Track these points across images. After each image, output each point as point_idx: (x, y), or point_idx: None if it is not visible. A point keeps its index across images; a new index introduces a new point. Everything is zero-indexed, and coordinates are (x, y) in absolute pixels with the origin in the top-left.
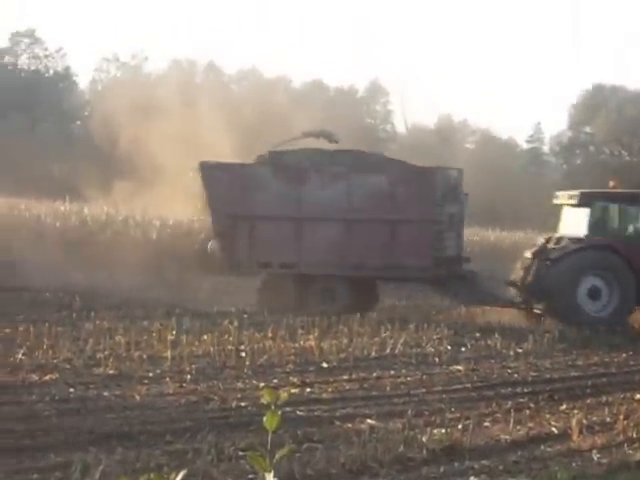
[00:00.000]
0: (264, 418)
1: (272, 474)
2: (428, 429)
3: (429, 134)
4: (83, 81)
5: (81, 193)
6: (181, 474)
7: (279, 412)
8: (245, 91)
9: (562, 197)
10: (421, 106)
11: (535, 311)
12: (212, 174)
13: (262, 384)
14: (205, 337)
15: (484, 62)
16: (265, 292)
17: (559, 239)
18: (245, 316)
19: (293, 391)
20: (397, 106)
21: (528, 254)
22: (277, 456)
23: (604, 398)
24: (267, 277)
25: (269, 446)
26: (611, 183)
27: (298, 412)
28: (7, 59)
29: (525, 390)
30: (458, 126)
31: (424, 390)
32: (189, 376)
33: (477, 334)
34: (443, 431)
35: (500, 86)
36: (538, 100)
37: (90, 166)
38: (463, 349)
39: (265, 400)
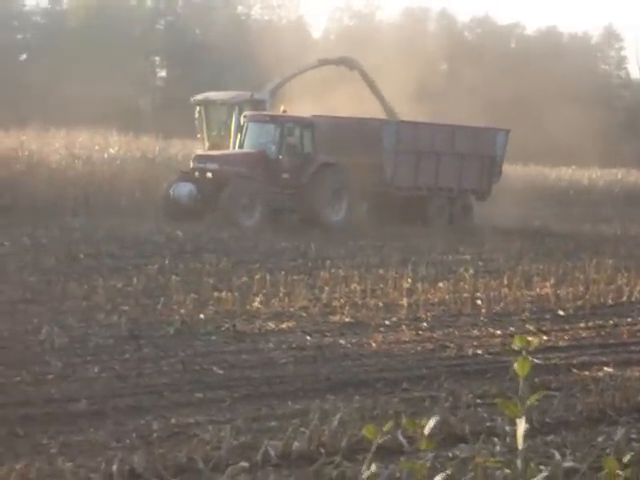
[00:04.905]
0: (514, 364)
1: (524, 420)
2: None
3: None
4: (316, 31)
5: None
6: (432, 420)
7: (529, 358)
8: (478, 38)
9: None
10: None
11: None
12: None
13: (498, 332)
14: (441, 285)
15: None
16: None
17: None
18: (480, 264)
19: (545, 338)
20: (632, 52)
21: None
22: (529, 402)
23: None
24: None
25: (520, 392)
26: None
27: (535, 360)
28: (240, 9)
29: None
30: None
31: None
32: (425, 324)
33: None
34: None
35: None
36: None
37: None
38: None
39: (516, 346)
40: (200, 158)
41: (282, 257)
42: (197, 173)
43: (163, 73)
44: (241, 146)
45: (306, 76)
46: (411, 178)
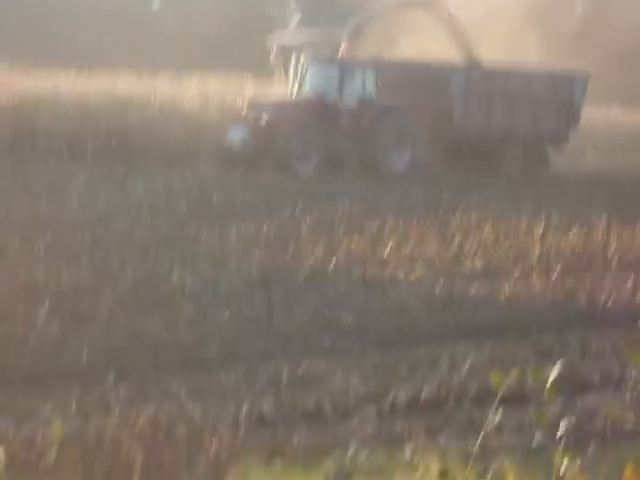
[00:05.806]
0: None
1: None
2: None
3: None
4: None
5: None
6: (555, 369)
7: None
8: None
9: None
10: None
11: None
12: None
13: (630, 281)
14: (573, 232)
15: None
16: None
17: None
18: (613, 212)
19: None
20: None
21: None
22: None
23: None
24: None
25: None
26: None
27: None
28: None
29: None
30: None
31: None
32: (557, 272)
33: None
34: None
35: None
36: None
37: None
38: None
39: None
40: (255, 103)
41: (414, 204)
42: (252, 119)
43: (297, 15)
44: (300, 89)
45: (388, 18)
46: (482, 124)
